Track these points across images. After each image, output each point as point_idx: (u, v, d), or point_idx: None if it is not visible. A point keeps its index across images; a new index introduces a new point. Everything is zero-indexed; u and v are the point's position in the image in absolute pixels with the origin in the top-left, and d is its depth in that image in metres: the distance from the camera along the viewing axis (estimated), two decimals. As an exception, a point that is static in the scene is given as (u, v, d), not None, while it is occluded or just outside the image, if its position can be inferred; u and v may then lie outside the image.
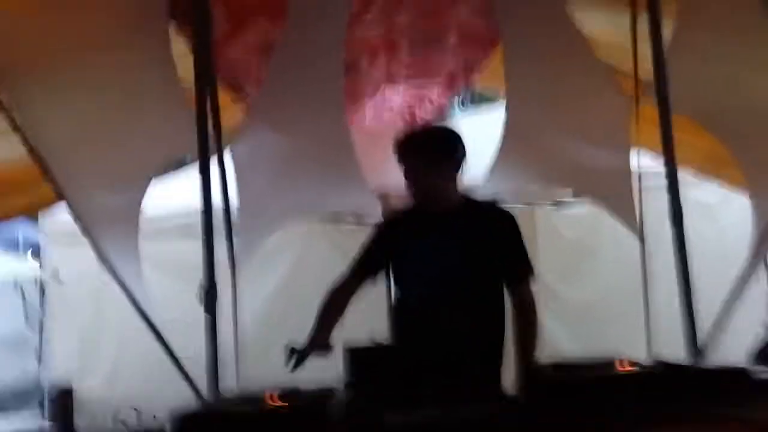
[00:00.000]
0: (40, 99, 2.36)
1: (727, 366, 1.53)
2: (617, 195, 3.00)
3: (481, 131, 4.32)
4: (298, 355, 2.06)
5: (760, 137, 2.44)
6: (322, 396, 1.56)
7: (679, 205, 2.28)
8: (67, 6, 2.19)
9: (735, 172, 2.75)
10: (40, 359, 5.64)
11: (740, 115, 2.42)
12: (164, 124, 2.64)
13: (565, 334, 3.95)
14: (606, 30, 2.81)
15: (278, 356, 3.92)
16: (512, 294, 2.17)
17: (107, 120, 2.57)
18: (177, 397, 2.27)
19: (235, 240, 2.88)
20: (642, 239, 2.90)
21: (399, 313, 2.24)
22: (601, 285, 4.06)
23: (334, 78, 2.87)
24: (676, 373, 1.48)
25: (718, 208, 3.74)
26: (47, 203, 3.07)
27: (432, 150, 2.15)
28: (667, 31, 2.28)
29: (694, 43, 2.26)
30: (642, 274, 2.90)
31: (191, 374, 2.58)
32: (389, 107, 4.07)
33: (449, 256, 2.10)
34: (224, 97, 3.00)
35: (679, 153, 2.38)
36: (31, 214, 4.10)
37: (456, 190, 2.20)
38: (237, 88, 3.15)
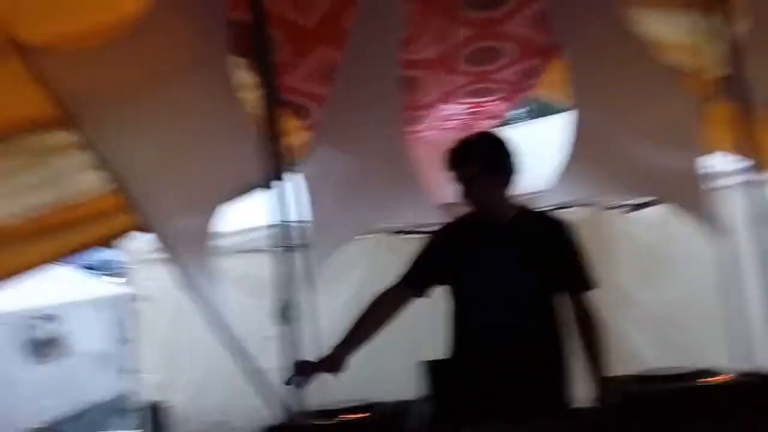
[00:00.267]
0: (117, 134, 2.49)
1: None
2: (691, 197, 2.90)
3: (543, 140, 4.29)
4: (302, 372, 2.01)
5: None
6: (400, 409, 1.57)
7: (764, 203, 2.18)
8: (136, 44, 2.32)
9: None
10: (128, 375, 5.93)
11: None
12: (232, 150, 2.76)
13: (644, 340, 3.81)
14: (670, 30, 2.73)
15: (354, 367, 3.99)
16: (574, 305, 2.10)
17: (179, 150, 2.69)
18: (261, 410, 2.33)
19: (308, 254, 2.97)
20: (720, 242, 2.78)
21: (459, 326, 2.16)
22: (680, 289, 3.89)
23: (391, 96, 2.94)
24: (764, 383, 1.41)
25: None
26: (125, 231, 3.27)
27: (480, 158, 2.11)
28: (740, 28, 2.20)
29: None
30: (721, 279, 2.77)
31: (271, 387, 2.66)
32: (448, 120, 4.10)
33: (507, 269, 2.07)
34: (291, 122, 3.12)
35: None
36: (114, 240, 4.35)
37: (508, 200, 2.16)
38: (303, 113, 3.27)
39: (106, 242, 3.75)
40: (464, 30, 2.95)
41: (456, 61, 3.22)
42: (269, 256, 4.44)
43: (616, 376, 1.59)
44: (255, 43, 2.39)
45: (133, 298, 4.95)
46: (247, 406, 1.59)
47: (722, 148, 2.88)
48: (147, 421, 1.71)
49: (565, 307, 2.11)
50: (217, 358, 3.90)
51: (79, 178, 2.68)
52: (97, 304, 7.99)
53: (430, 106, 3.66)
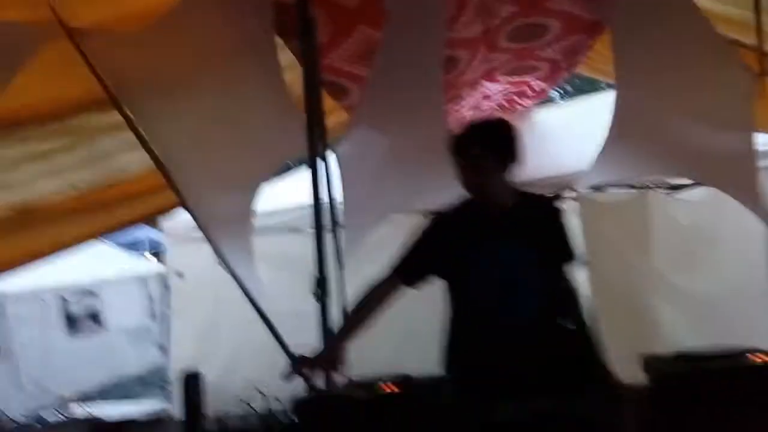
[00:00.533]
0: (161, 114, 2.52)
1: None
2: (741, 179, 2.79)
3: (585, 120, 4.21)
4: (302, 367, 1.99)
5: None
6: (433, 383, 1.57)
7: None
8: (182, 24, 2.33)
9: None
10: (162, 349, 6.07)
11: None
12: (273, 130, 2.76)
13: (683, 327, 3.75)
14: (725, 4, 2.63)
15: (384, 345, 4.01)
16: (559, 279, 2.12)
17: (221, 130, 2.71)
18: (290, 386, 2.35)
19: (341, 234, 2.97)
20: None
21: (464, 314, 2.10)
22: (722, 275, 3.80)
23: (432, 77, 2.88)
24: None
25: None
26: (167, 208, 3.31)
27: (485, 143, 2.05)
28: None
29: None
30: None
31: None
32: (488, 98, 4.05)
33: (515, 255, 2.04)
34: (329, 101, 3.11)
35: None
36: (154, 218, 4.42)
37: (509, 185, 2.11)
38: (341, 93, 3.25)
39: (146, 220, 3.81)
40: (507, 6, 2.89)
41: (499, 38, 3.16)
42: (304, 235, 4.52)
43: (654, 355, 1.56)
44: (298, 23, 2.37)
45: (169, 275, 5.04)
46: (278, 382, 1.60)
47: (773, 128, 2.77)
48: (185, 390, 1.73)
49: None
50: (250, 334, 3.97)
51: (122, 158, 2.72)
52: (134, 280, 8.20)
53: (471, 85, 3.61)
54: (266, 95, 2.66)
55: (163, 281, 6.00)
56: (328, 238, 2.73)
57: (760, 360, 1.34)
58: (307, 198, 4.00)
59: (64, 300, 7.16)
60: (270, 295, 3.02)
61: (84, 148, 2.75)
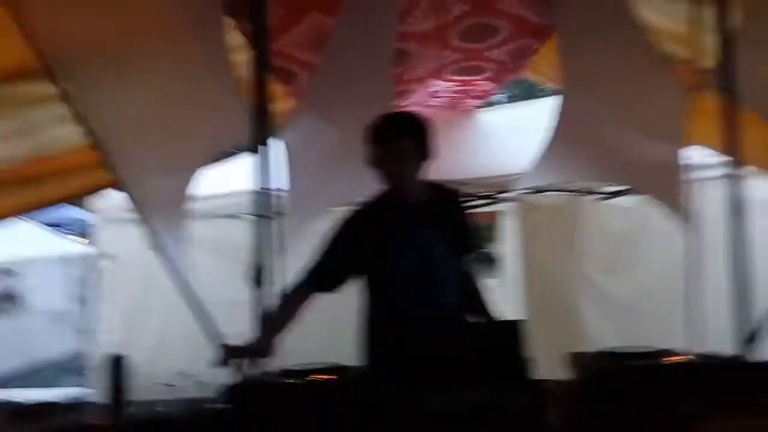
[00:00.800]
0: (99, 88, 2.42)
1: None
2: (669, 188, 2.94)
3: (528, 122, 4.32)
4: (231, 355, 1.96)
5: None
6: (365, 372, 1.58)
7: (739, 197, 2.22)
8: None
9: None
10: (85, 334, 5.84)
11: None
12: (218, 112, 2.70)
13: (608, 329, 3.91)
14: (666, 18, 2.75)
15: (317, 336, 3.99)
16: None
17: (163, 109, 2.63)
18: (219, 374, 2.32)
19: (283, 222, 2.94)
20: (690, 232, 2.85)
21: (385, 304, 2.11)
22: (644, 279, 4.00)
23: (383, 68, 2.89)
24: (726, 364, 1.46)
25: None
26: (101, 187, 3.19)
27: (413, 135, 2.08)
28: (731, 23, 2.22)
29: (761, 35, 2.19)
30: (696, 268, 2.84)
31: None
32: (437, 96, 4.09)
33: (434, 247, 2.09)
34: (276, 87, 3.06)
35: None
36: (86, 196, 4.24)
37: (421, 178, 2.14)
38: (290, 78, 3.20)
39: (77, 198, 3.65)
40: (460, 5, 2.92)
41: (450, 36, 3.19)
42: (242, 222, 4.44)
43: (579, 352, 1.62)
44: (250, 4, 2.33)
45: (98, 257, 4.85)
46: (209, 368, 1.58)
47: (704, 141, 2.92)
48: (109, 373, 1.68)
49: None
50: (180, 319, 3.88)
51: (55, 131, 2.59)
52: (59, 261, 7.83)
53: (419, 80, 3.63)
54: (212, 76, 2.59)
55: (89, 263, 5.77)
56: (269, 225, 2.70)
57: (675, 359, 1.43)
58: (246, 184, 3.93)
59: (-17, 278, 6.79)
60: (204, 282, 2.96)
61: (11, 120, 2.60)
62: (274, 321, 2.09)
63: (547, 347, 2.01)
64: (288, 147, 3.04)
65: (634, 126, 2.90)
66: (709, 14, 2.30)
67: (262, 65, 2.44)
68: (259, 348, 1.99)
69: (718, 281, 2.60)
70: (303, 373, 1.50)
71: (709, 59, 2.45)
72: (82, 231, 7.86)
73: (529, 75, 4.17)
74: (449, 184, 2.50)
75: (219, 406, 1.39)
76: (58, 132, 2.72)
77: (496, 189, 4.15)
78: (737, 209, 2.24)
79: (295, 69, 3.15)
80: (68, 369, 6.51)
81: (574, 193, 4.15)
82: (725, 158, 2.31)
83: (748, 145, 2.31)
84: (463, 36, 3.22)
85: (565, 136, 3.15)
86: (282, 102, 3.31)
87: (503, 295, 4.88)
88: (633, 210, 4.06)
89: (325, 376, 1.47)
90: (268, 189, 2.70)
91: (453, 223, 2.17)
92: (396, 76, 3.10)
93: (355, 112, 3.01)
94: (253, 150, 2.42)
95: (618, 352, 1.51)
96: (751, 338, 2.20)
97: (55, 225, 8.75)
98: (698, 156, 2.94)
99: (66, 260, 7.88)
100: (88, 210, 5.03)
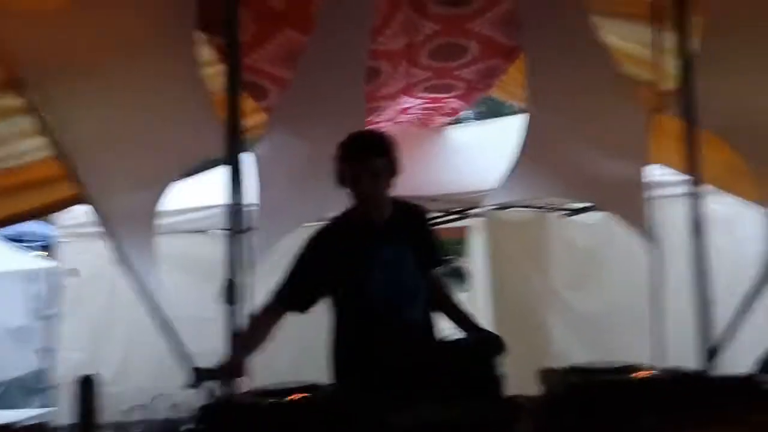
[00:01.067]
0: (68, 100, 2.39)
1: (737, 374, 1.55)
2: (633, 206, 3.02)
3: (494, 141, 4.40)
4: (202, 376, 1.98)
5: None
6: (341, 391, 1.59)
7: (700, 213, 2.30)
8: (96, 9, 2.22)
9: (751, 186, 2.77)
10: (48, 351, 5.68)
11: (762, 130, 2.44)
12: (189, 127, 2.68)
13: (575, 344, 3.98)
14: (629, 42, 2.84)
15: (286, 353, 3.95)
16: (433, 279, 2.26)
17: (133, 123, 2.60)
18: (186, 393, 2.29)
19: (252, 238, 2.92)
20: (654, 250, 2.93)
21: (357, 320, 2.13)
22: (609, 295, 4.09)
23: (355, 85, 2.91)
24: (689, 379, 1.51)
25: (733, 221, 3.76)
26: (65, 202, 3.13)
27: (389, 153, 2.13)
28: (691, 47, 2.31)
29: (719, 59, 2.29)
30: (653, 284, 2.91)
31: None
32: (407, 112, 4.13)
33: (404, 263, 2.12)
34: (248, 102, 3.06)
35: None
36: (51, 212, 4.15)
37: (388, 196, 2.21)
38: (261, 94, 3.21)
39: (43, 213, 3.57)
40: (431, 24, 2.97)
41: (420, 54, 3.24)
42: (210, 238, 4.40)
43: (549, 369, 1.66)
44: (223, 20, 2.33)
45: (61, 272, 4.74)
46: (177, 387, 1.55)
47: (666, 161, 3.01)
48: (76, 395, 1.64)
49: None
50: (147, 336, 3.81)
51: (20, 144, 2.54)
52: (18, 277, 7.60)
53: (390, 97, 3.67)
54: (183, 91, 2.58)
55: (52, 279, 5.62)
56: (240, 241, 2.68)
57: (643, 374, 1.47)
58: (216, 199, 3.89)
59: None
60: (172, 298, 2.92)
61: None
62: (246, 341, 2.09)
63: (516, 361, 2.04)
64: (259, 162, 3.03)
65: (598, 145, 2.98)
66: (670, 38, 2.39)
67: (234, 80, 2.44)
68: (231, 368, 1.98)
69: (681, 297, 2.68)
70: (276, 393, 1.50)
71: (670, 82, 2.54)
72: (44, 246, 7.66)
73: (497, 94, 4.25)
74: (418, 199, 2.54)
75: (192, 426, 1.37)
76: (22, 145, 2.67)
77: (464, 205, 4.20)
78: (698, 227, 2.32)
79: (267, 84, 3.16)
80: (30, 389, 6.31)
81: (540, 210, 4.24)
82: (686, 177, 2.39)
83: (707, 165, 2.40)
84: (433, 55, 3.28)
85: (532, 154, 3.21)
86: (253, 117, 3.30)
87: (472, 309, 4.94)
88: (597, 226, 4.16)
89: (297, 395, 1.47)
90: (240, 204, 2.69)
91: (420, 239, 2.22)
92: (367, 93, 3.13)
93: (326, 128, 3.02)
94: (228, 164, 2.41)
95: (586, 368, 1.54)
96: (712, 353, 2.26)
97: (16, 239, 8.51)
98: (660, 174, 3.03)
99: (28, 276, 7.65)
100: (51, 224, 4.92)
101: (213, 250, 4.04)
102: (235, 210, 2.42)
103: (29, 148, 2.62)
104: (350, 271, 2.09)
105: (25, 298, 7.54)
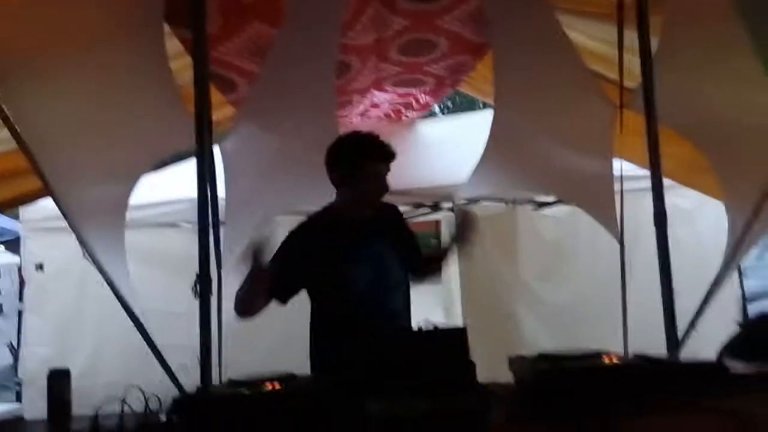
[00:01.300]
0: (33, 94, 2.34)
1: (702, 360, 1.61)
2: (598, 199, 3.09)
3: (464, 135, 4.44)
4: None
5: (738, 147, 2.55)
6: (318, 382, 1.60)
7: (663, 207, 2.37)
8: (62, 1, 2.18)
9: (710, 179, 2.86)
10: (12, 348, 5.56)
11: (720, 125, 2.52)
12: (156, 121, 2.65)
13: (544, 333, 4.05)
14: (594, 39, 2.90)
15: (261, 346, 3.93)
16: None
17: (99, 116, 2.57)
18: (153, 386, 2.29)
19: (222, 232, 2.91)
20: (622, 242, 3.00)
21: (339, 314, 2.14)
22: (577, 286, 4.18)
23: (325, 80, 2.91)
24: (655, 365, 1.56)
25: (694, 214, 3.88)
26: (32, 196, 3.07)
27: (389, 157, 2.15)
28: (653, 44, 2.37)
29: (678, 56, 2.35)
30: (621, 275, 2.99)
31: (171, 364, 2.61)
32: (376, 106, 4.15)
33: (386, 259, 2.17)
34: (216, 95, 3.04)
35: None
36: (15, 206, 4.07)
37: None
38: (229, 87, 3.18)
39: (7, 206, 3.49)
40: (400, 20, 2.99)
41: (390, 49, 3.26)
42: (180, 231, 4.35)
43: (519, 356, 1.70)
44: (190, 11, 2.31)
45: (26, 267, 4.65)
46: (140, 382, 1.55)
47: (629, 156, 3.09)
48: (52, 388, 1.62)
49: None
50: (114, 333, 3.77)
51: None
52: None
53: (360, 92, 3.68)
54: (151, 84, 2.55)
55: (15, 274, 5.50)
56: (210, 234, 2.66)
57: (611, 361, 1.52)
58: (183, 192, 3.84)
59: None
60: (140, 292, 2.89)
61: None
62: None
63: (487, 351, 2.09)
64: (227, 156, 3.01)
65: (564, 140, 3.04)
66: (632, 37, 2.45)
67: (202, 73, 2.42)
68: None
69: (645, 287, 2.76)
70: (251, 383, 1.50)
71: (632, 79, 2.61)
72: (6, 239, 7.47)
73: (466, 90, 4.29)
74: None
75: (166, 418, 1.37)
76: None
77: (435, 199, 4.24)
78: (660, 220, 2.39)
79: (235, 77, 3.14)
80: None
81: (509, 204, 4.30)
82: (648, 172, 2.46)
83: (668, 160, 2.47)
84: (403, 50, 3.30)
85: (500, 149, 3.27)
86: (221, 110, 3.28)
87: (444, 301, 4.99)
88: (564, 220, 4.24)
89: (272, 386, 1.48)
90: (210, 197, 2.67)
91: (399, 237, 2.25)
92: (338, 87, 3.14)
93: (296, 122, 3.03)
94: (197, 157, 2.39)
95: (556, 355, 1.59)
96: (677, 340, 2.35)
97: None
98: (625, 169, 3.11)
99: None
100: (15, 219, 4.81)
101: (182, 244, 4.06)
102: (205, 203, 2.40)
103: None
104: (333, 264, 2.12)
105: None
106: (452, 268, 4.63)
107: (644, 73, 2.37)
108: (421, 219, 4.42)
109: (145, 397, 1.42)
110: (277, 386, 1.48)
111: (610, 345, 2.67)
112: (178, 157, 3.88)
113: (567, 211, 4.17)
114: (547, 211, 4.37)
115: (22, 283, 4.76)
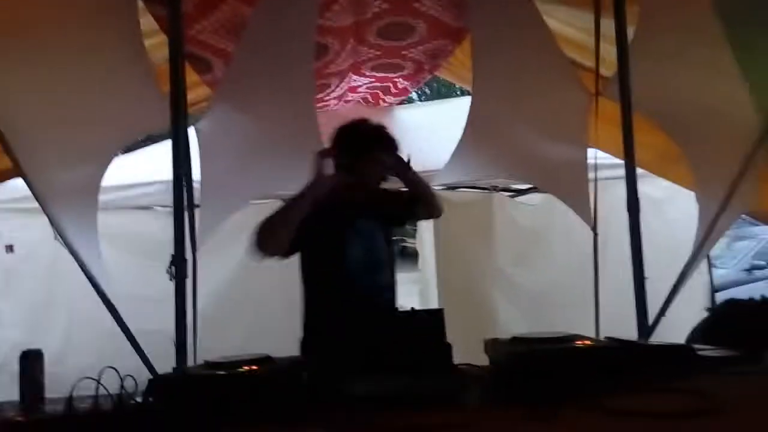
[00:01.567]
0: (2, 73, 2.29)
1: (670, 343, 1.65)
2: (573, 187, 3.13)
3: (442, 120, 4.44)
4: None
5: (711, 138, 2.59)
6: (294, 363, 1.60)
7: (636, 195, 2.41)
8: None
9: (682, 169, 2.91)
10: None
11: (693, 115, 2.57)
12: (130, 100, 2.61)
13: (518, 318, 4.10)
14: (571, 26, 2.92)
15: (236, 330, 3.92)
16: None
17: (71, 96, 2.52)
18: (127, 371, 2.27)
19: (197, 215, 2.88)
20: (595, 229, 3.04)
21: (335, 291, 2.23)
22: (550, 272, 4.23)
23: (303, 62, 2.88)
24: (626, 348, 1.59)
25: (665, 203, 3.95)
26: (2, 177, 3.00)
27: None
28: (629, 33, 2.40)
29: (654, 46, 2.38)
30: (594, 261, 3.03)
31: (145, 348, 2.60)
32: (355, 91, 4.13)
33: (373, 236, 2.29)
34: (191, 75, 2.99)
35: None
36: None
37: None
38: (204, 66, 3.13)
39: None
40: (378, 2, 2.97)
41: (368, 32, 3.23)
42: (153, 214, 4.29)
43: (495, 339, 1.72)
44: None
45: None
46: (118, 367, 1.53)
47: (604, 144, 3.12)
48: (26, 370, 1.60)
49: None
50: (86, 316, 3.72)
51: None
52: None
53: (338, 75, 3.65)
54: (124, 63, 2.50)
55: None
56: (185, 217, 2.63)
57: (583, 343, 1.55)
58: (157, 175, 3.77)
59: None
60: (113, 276, 2.85)
61: None
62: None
63: (464, 335, 2.12)
64: (202, 137, 2.97)
65: (541, 127, 3.06)
66: (608, 26, 2.48)
67: (177, 52, 2.38)
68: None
69: (617, 273, 2.81)
70: (227, 365, 1.50)
71: (608, 67, 2.63)
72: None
73: (444, 75, 4.29)
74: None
75: (141, 400, 1.36)
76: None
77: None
78: (633, 208, 2.43)
79: (210, 57, 3.09)
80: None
81: (486, 191, 4.33)
82: (623, 161, 2.49)
83: (642, 150, 2.51)
84: (381, 33, 3.28)
85: (477, 135, 3.28)
86: (196, 90, 3.23)
87: (421, 287, 5.02)
88: (539, 207, 4.29)
89: (248, 367, 1.47)
90: (185, 180, 2.64)
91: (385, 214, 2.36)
92: (315, 70, 3.11)
93: (273, 105, 3.00)
94: (172, 138, 2.36)
95: (531, 338, 1.61)
96: (648, 326, 2.40)
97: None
98: (599, 157, 3.15)
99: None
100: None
101: (156, 227, 4.00)
102: (180, 185, 2.38)
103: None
104: (329, 233, 2.19)
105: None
106: (429, 255, 4.66)
107: (620, 61, 2.39)
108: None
109: (120, 379, 1.40)
110: (254, 368, 1.48)
111: (583, 330, 2.71)
112: (152, 139, 3.82)
113: (542, 199, 4.22)
114: (522, 198, 4.41)
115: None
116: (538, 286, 4.25)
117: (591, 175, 3.06)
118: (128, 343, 2.61)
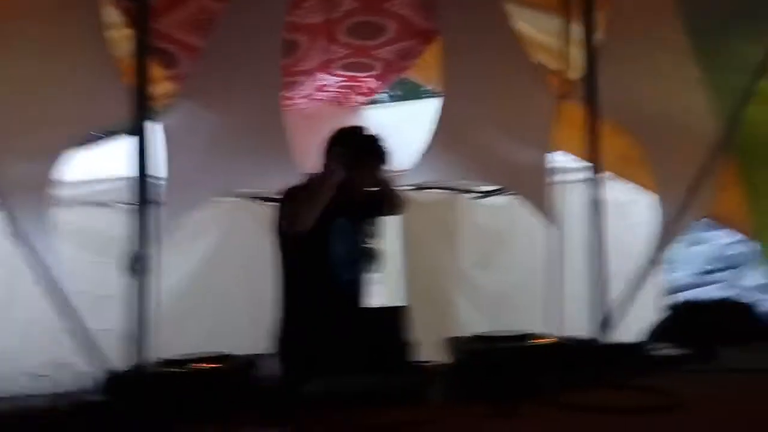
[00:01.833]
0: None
1: (627, 342, 1.69)
2: (536, 189, 3.16)
3: (409, 121, 4.45)
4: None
5: (672, 143, 2.66)
6: (250, 361, 1.59)
7: (598, 199, 2.45)
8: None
9: (643, 173, 2.97)
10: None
11: (656, 120, 2.62)
12: (92, 93, 2.56)
13: (479, 320, 4.13)
14: (538, 31, 2.95)
15: (198, 326, 3.86)
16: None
17: (28, 88, 2.47)
18: (86, 371, 2.22)
19: (159, 211, 2.82)
20: (558, 231, 3.09)
21: (317, 288, 2.34)
22: (515, 273, 4.27)
23: (271, 59, 2.87)
24: (584, 346, 1.62)
25: (626, 206, 4.02)
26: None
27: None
28: (596, 39, 2.44)
29: (620, 52, 2.43)
30: (558, 262, 3.08)
31: (101, 347, 2.53)
32: (324, 90, 4.10)
33: (352, 233, 2.44)
34: (157, 70, 2.93)
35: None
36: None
37: None
38: (170, 61, 3.08)
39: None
40: (349, 1, 2.96)
41: (338, 31, 3.22)
42: (113, 211, 4.19)
43: (455, 337, 1.74)
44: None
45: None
46: (73, 367, 1.48)
47: (568, 147, 3.17)
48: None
49: None
50: (44, 315, 3.60)
51: None
52: None
53: (307, 73, 3.63)
54: (86, 56, 2.44)
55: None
56: (146, 213, 2.58)
57: (542, 341, 1.58)
58: (117, 170, 3.70)
59: None
60: (70, 273, 2.78)
61: None
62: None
63: (426, 334, 2.13)
64: (167, 133, 2.92)
65: (506, 129, 3.09)
66: (576, 29, 2.52)
67: (142, 46, 2.33)
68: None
69: (577, 274, 2.85)
70: (183, 363, 1.47)
71: (575, 71, 2.67)
72: None
73: (414, 76, 4.30)
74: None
75: (94, 397, 1.33)
76: None
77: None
78: (596, 210, 2.47)
79: (176, 51, 3.03)
80: None
81: (451, 192, 4.35)
82: (586, 164, 2.53)
83: (607, 153, 2.55)
84: (351, 32, 3.27)
85: (444, 137, 3.29)
86: (161, 85, 3.17)
87: (385, 287, 5.01)
88: (503, 209, 4.32)
89: (205, 365, 1.45)
90: (145, 176, 2.58)
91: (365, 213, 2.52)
92: (284, 67, 3.09)
93: (239, 101, 2.96)
94: (134, 134, 2.31)
95: (490, 336, 1.63)
96: (604, 324, 2.44)
97: None
98: (563, 160, 3.19)
99: None
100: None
101: (114, 224, 3.89)
102: (141, 182, 2.33)
103: None
104: (313, 230, 2.27)
105: None
106: (394, 256, 4.66)
107: (588, 66, 2.43)
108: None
109: (77, 377, 1.37)
110: (211, 365, 1.46)
111: (544, 330, 2.77)
112: (115, 133, 3.73)
113: (504, 201, 4.25)
114: (485, 200, 4.43)
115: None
116: (500, 287, 4.28)
117: (555, 177, 3.10)
118: (85, 341, 2.55)
